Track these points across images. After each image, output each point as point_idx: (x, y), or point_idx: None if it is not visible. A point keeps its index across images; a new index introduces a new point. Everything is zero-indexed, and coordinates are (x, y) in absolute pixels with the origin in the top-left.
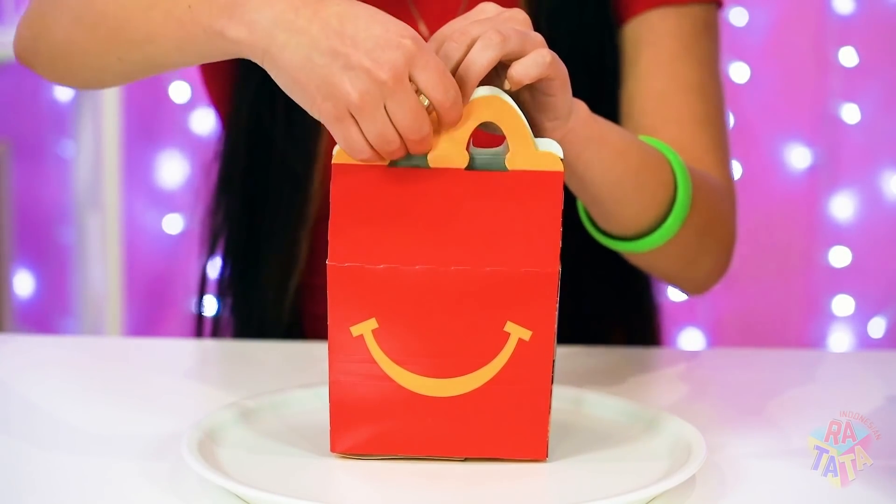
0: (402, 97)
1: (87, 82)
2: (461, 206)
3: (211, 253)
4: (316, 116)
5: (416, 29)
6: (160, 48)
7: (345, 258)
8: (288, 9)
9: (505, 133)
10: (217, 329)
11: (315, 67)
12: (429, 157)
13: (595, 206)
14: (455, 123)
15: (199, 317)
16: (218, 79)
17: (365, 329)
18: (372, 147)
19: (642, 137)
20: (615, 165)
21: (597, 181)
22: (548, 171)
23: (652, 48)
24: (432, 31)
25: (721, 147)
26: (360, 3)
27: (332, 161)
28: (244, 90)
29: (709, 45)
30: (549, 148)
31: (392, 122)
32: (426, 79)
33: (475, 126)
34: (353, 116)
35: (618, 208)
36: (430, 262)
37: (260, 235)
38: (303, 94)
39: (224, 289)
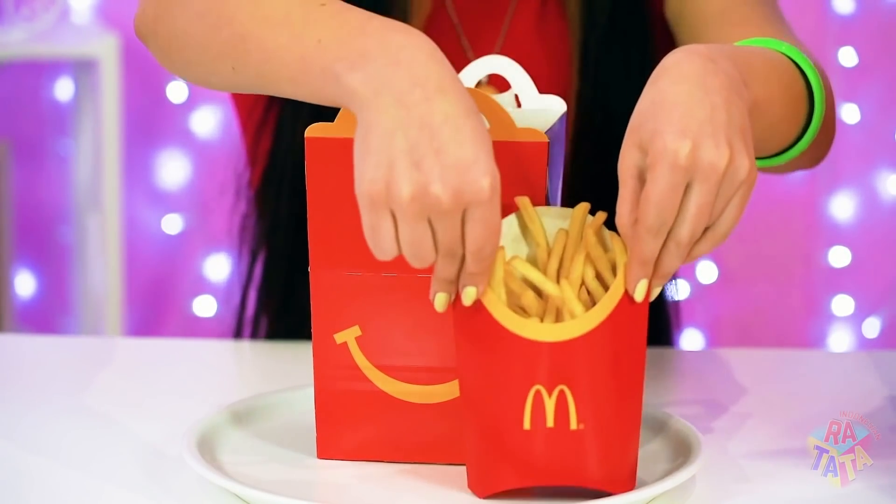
0: (448, 224)
1: (196, 78)
2: None
3: (256, 252)
4: (357, 187)
5: (465, 57)
6: (274, 73)
7: (327, 265)
8: (407, 80)
9: (483, 114)
10: (256, 330)
11: (391, 145)
12: None
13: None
14: (475, 274)
15: (240, 318)
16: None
17: (349, 336)
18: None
19: (757, 42)
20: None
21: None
22: (531, 142)
23: None
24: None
25: (798, 41)
26: (474, 115)
27: (306, 135)
28: None
29: None
30: (551, 103)
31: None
32: (473, 231)
33: None
34: (392, 215)
35: (770, 135)
36: (411, 268)
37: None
38: (363, 157)
39: (267, 289)
